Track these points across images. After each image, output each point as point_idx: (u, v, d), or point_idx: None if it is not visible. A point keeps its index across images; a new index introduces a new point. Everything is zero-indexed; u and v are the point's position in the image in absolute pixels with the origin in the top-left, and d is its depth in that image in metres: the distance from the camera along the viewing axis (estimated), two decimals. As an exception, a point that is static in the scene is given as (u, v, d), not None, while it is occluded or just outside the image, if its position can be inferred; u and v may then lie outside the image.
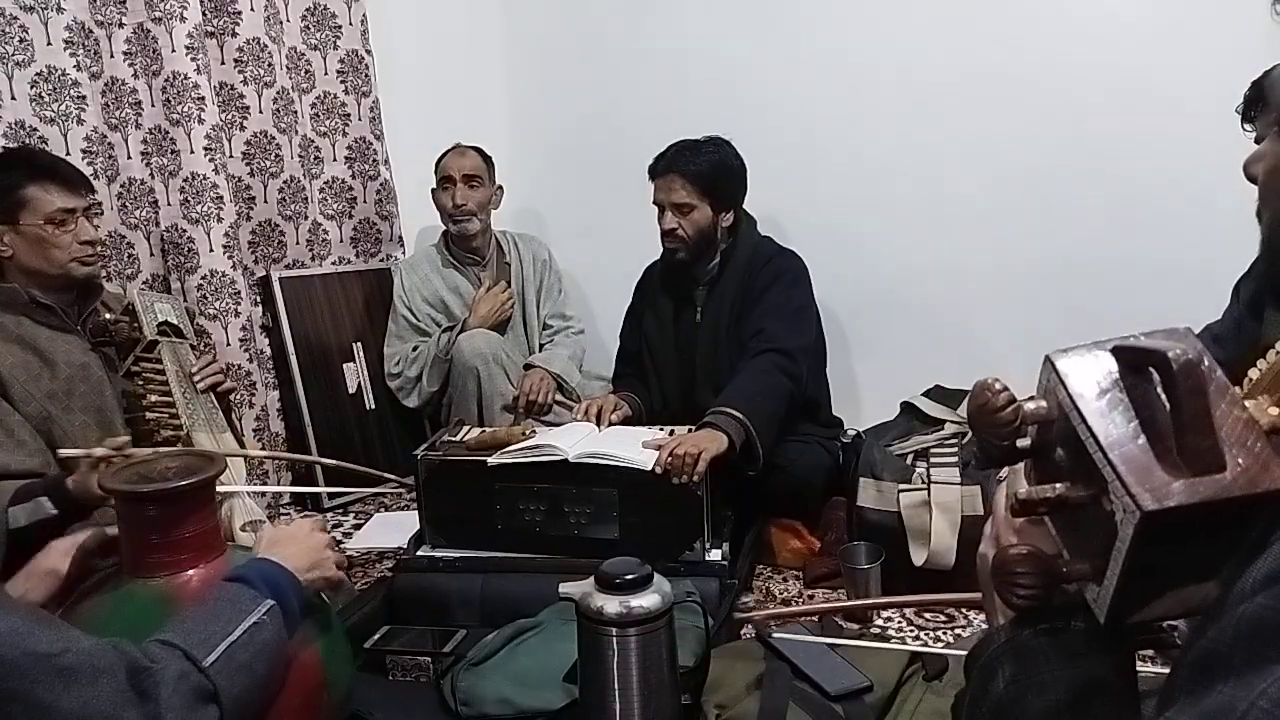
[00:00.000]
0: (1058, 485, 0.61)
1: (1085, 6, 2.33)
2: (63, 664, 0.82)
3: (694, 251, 2.33)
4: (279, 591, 1.08)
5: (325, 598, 1.33)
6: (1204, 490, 0.54)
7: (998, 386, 0.61)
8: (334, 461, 2.34)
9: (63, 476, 1.61)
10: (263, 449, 2.63)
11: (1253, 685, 0.47)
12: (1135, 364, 0.60)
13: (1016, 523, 0.69)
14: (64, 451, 1.61)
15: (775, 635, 1.63)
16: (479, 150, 2.85)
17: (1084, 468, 0.59)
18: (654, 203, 2.34)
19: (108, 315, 1.94)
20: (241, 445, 2.11)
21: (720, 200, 2.31)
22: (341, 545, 2.40)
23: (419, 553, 1.97)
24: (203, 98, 2.52)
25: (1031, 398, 0.63)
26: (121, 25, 2.44)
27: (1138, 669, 0.67)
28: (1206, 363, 0.56)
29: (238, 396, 2.61)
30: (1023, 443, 0.63)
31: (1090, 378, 0.60)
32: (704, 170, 2.28)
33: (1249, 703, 0.47)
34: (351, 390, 2.90)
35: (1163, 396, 0.57)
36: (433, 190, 2.88)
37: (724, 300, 2.35)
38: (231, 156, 2.70)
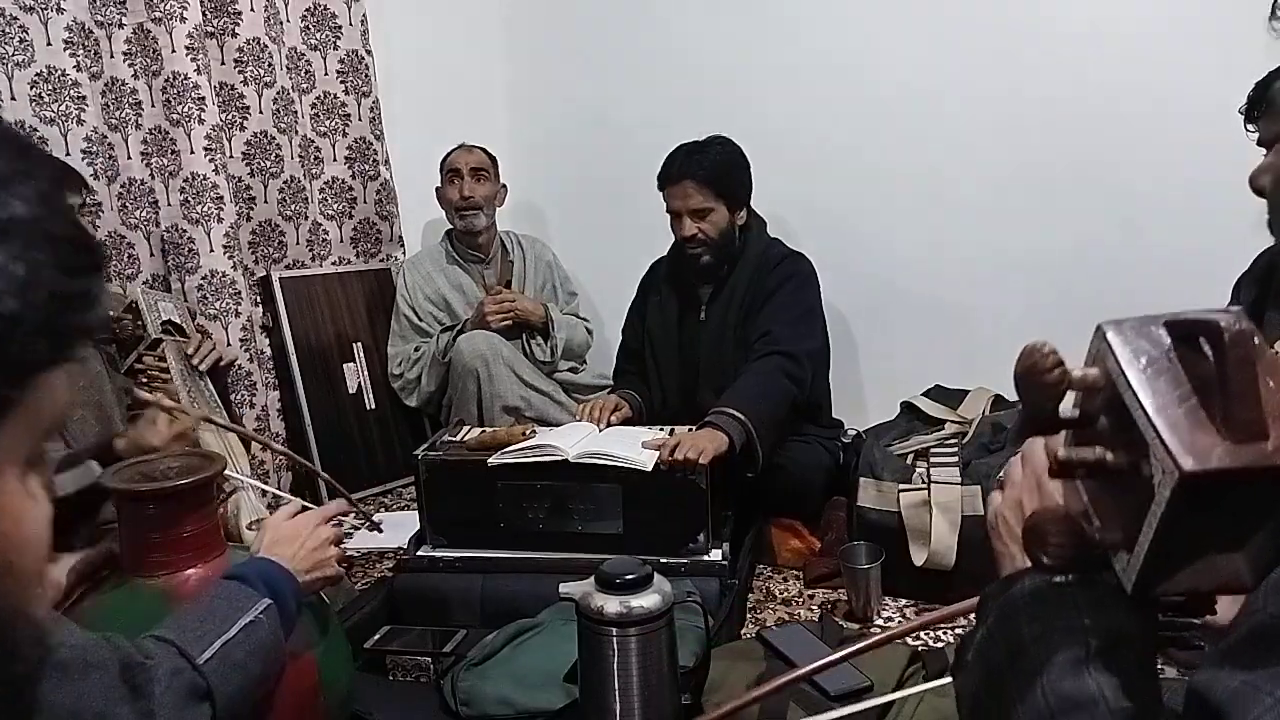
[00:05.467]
0: (1098, 448, 0.61)
1: (1086, 7, 2.33)
2: (56, 659, 0.82)
3: (718, 253, 2.32)
4: (276, 591, 1.08)
5: (325, 598, 1.33)
6: (1245, 456, 0.54)
7: (1046, 349, 0.61)
8: (283, 450, 2.31)
9: (109, 439, 1.60)
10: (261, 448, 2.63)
11: None
12: (1186, 335, 0.60)
13: (1049, 487, 0.69)
14: (137, 391, 1.61)
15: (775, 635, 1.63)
16: (484, 150, 2.88)
17: (1126, 435, 0.59)
18: (669, 211, 2.32)
19: (110, 313, 1.94)
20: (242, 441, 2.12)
21: (734, 198, 2.30)
22: (341, 545, 2.40)
23: (419, 553, 1.97)
24: (203, 98, 2.52)
25: (1061, 361, 0.63)
26: (121, 25, 2.44)
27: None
28: (1257, 338, 0.56)
29: (237, 396, 2.61)
30: (1066, 412, 0.64)
31: (1140, 346, 0.60)
32: (715, 171, 2.26)
33: None
34: (351, 390, 2.90)
35: (1210, 367, 0.57)
36: (437, 189, 2.89)
37: (731, 301, 2.35)
38: (231, 156, 2.69)
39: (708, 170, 2.25)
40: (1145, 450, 0.57)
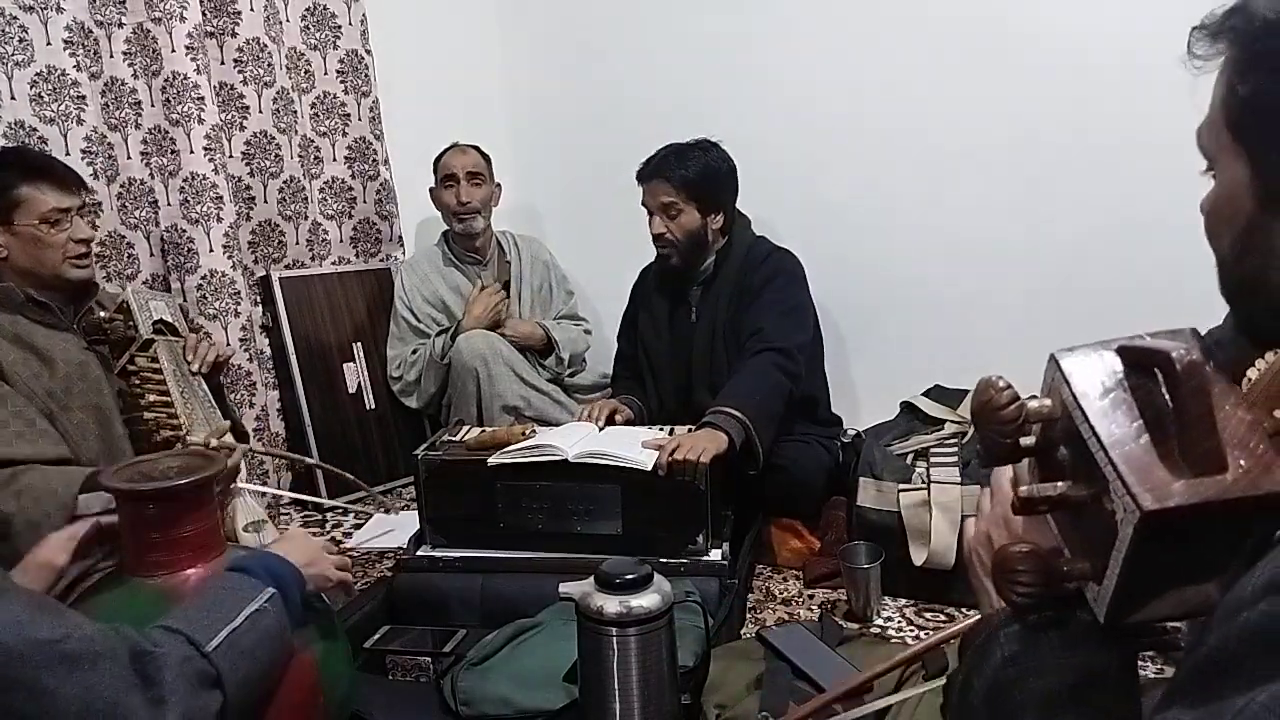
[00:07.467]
0: (1059, 484, 0.61)
1: (1085, 11, 2.32)
2: (65, 650, 0.82)
3: (685, 255, 2.34)
4: (280, 580, 1.08)
5: (325, 598, 1.33)
6: (1205, 491, 0.53)
7: (1001, 384, 0.61)
8: (314, 461, 2.31)
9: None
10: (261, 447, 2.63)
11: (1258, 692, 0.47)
12: (1140, 364, 0.60)
13: (1016, 520, 0.69)
14: (191, 438, 1.68)
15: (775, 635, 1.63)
16: (477, 148, 2.87)
17: (1086, 467, 0.59)
18: (643, 204, 2.35)
19: (102, 314, 1.94)
20: (244, 436, 2.13)
21: (708, 203, 2.31)
22: (341, 545, 2.40)
23: (419, 553, 1.97)
24: (203, 98, 2.52)
25: (1034, 396, 0.63)
26: (121, 25, 2.44)
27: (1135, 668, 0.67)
28: (1211, 364, 0.56)
29: (237, 396, 2.61)
30: (1026, 441, 0.63)
31: (1094, 376, 0.60)
32: (690, 175, 2.28)
33: (1247, 699, 0.47)
34: (351, 390, 2.90)
35: (1165, 396, 0.57)
36: (432, 189, 2.89)
37: (719, 300, 2.35)
38: (231, 156, 2.70)
39: (682, 173, 2.28)
40: (1106, 483, 0.57)
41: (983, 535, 0.74)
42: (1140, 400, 0.59)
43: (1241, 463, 0.54)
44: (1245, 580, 0.51)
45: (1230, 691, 0.48)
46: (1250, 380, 0.76)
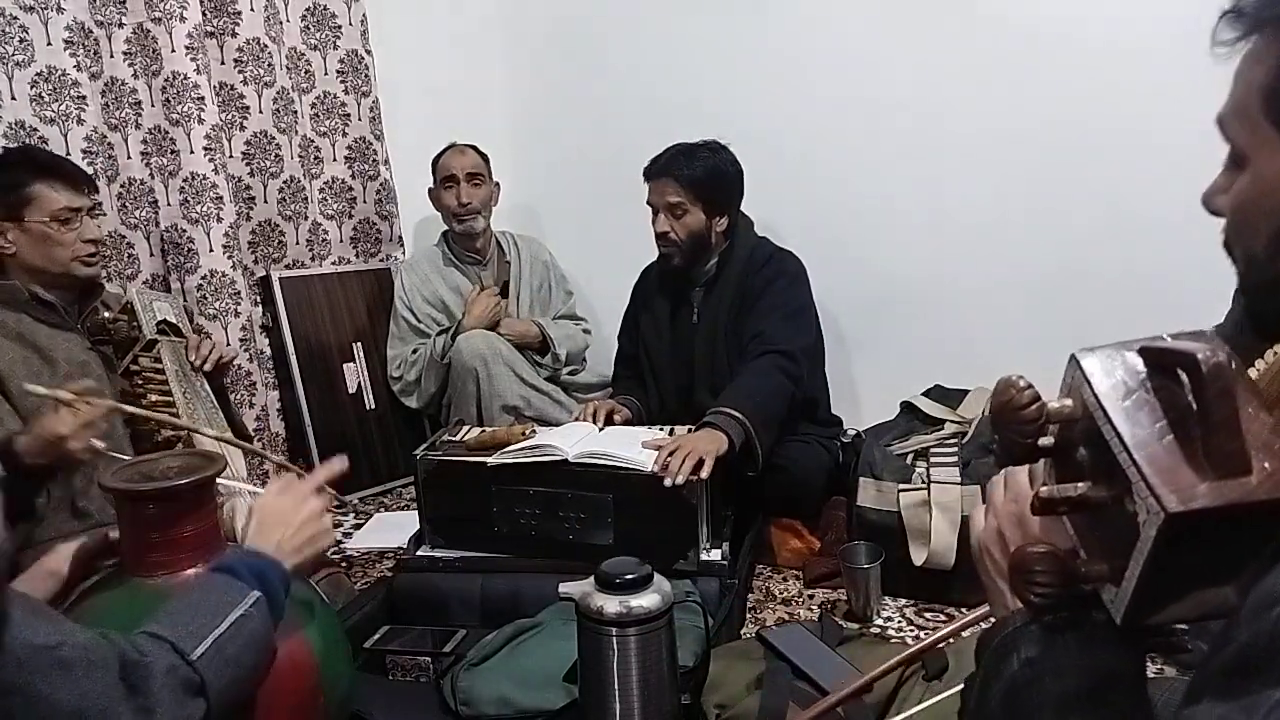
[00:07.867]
0: (1080, 485, 0.61)
1: (1084, 20, 2.32)
2: (60, 656, 0.83)
3: (688, 256, 2.33)
4: (265, 582, 1.08)
5: (325, 598, 1.33)
6: (1230, 493, 0.53)
7: (1022, 384, 0.61)
8: (280, 459, 2.26)
9: (10, 436, 1.56)
10: (261, 448, 2.63)
11: None
12: (1162, 365, 0.59)
13: (1032, 520, 0.69)
14: (29, 386, 1.51)
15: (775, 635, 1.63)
16: (476, 148, 2.87)
17: (1106, 467, 0.58)
18: (648, 203, 2.34)
19: (106, 314, 1.94)
20: (247, 437, 2.11)
21: (714, 205, 2.30)
22: (341, 545, 2.40)
23: (419, 553, 1.97)
24: (203, 98, 2.52)
25: (1037, 396, 0.63)
26: (121, 25, 2.44)
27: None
28: (1234, 366, 0.56)
29: (237, 396, 2.61)
30: (1045, 441, 0.63)
31: (1116, 377, 0.60)
32: (698, 175, 2.27)
33: None
34: (351, 390, 2.90)
35: (1188, 397, 0.57)
36: (431, 190, 2.89)
37: (721, 301, 2.35)
38: (231, 156, 2.70)
39: (690, 172, 2.26)
40: (1127, 484, 0.56)
41: (994, 533, 0.73)
42: (1163, 401, 0.58)
43: (1265, 465, 0.54)
44: (1273, 577, 0.51)
45: (1261, 685, 0.48)
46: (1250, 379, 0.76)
